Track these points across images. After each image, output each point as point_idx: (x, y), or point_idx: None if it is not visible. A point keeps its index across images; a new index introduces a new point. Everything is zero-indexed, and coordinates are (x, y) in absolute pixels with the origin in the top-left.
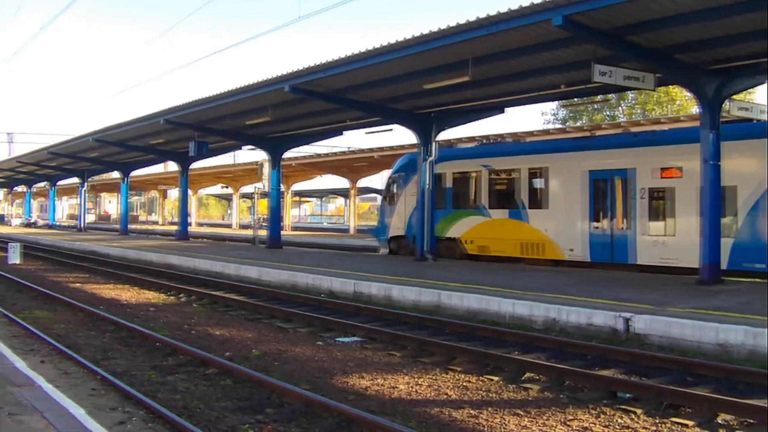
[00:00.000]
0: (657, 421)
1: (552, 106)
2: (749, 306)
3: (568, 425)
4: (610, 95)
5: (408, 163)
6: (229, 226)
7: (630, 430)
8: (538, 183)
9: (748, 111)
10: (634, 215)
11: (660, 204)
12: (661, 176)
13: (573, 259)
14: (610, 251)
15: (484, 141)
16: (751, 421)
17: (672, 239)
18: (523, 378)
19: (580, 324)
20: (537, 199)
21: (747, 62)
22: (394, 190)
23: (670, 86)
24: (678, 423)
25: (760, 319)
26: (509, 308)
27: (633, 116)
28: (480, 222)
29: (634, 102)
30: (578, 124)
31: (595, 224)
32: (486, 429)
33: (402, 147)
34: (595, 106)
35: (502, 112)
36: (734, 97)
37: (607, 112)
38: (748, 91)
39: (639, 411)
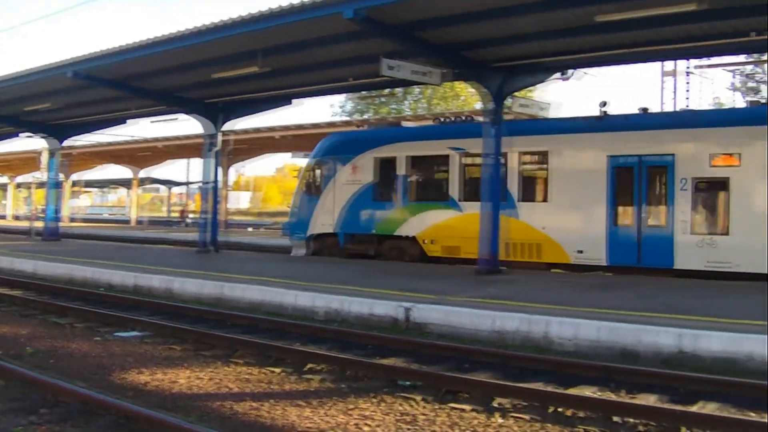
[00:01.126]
0: (436, 407)
1: (341, 98)
2: (522, 294)
3: (350, 414)
4: (396, 89)
5: (338, 146)
6: (3, 217)
7: (409, 416)
8: (535, 170)
9: (528, 107)
10: (672, 210)
11: (709, 197)
12: (711, 165)
13: (583, 263)
14: (637, 253)
15: (453, 119)
16: (525, 403)
17: (725, 239)
18: (304, 369)
19: (362, 314)
20: (533, 190)
21: (528, 61)
22: (317, 179)
23: (455, 82)
24: (456, 408)
25: (531, 306)
26: (291, 300)
27: (418, 110)
28: (447, 217)
29: (420, 96)
30: (365, 116)
31: (617, 221)
32: (267, 420)
33: (188, 137)
34: (382, 99)
35: (290, 103)
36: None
37: (394, 106)
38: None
39: (418, 398)
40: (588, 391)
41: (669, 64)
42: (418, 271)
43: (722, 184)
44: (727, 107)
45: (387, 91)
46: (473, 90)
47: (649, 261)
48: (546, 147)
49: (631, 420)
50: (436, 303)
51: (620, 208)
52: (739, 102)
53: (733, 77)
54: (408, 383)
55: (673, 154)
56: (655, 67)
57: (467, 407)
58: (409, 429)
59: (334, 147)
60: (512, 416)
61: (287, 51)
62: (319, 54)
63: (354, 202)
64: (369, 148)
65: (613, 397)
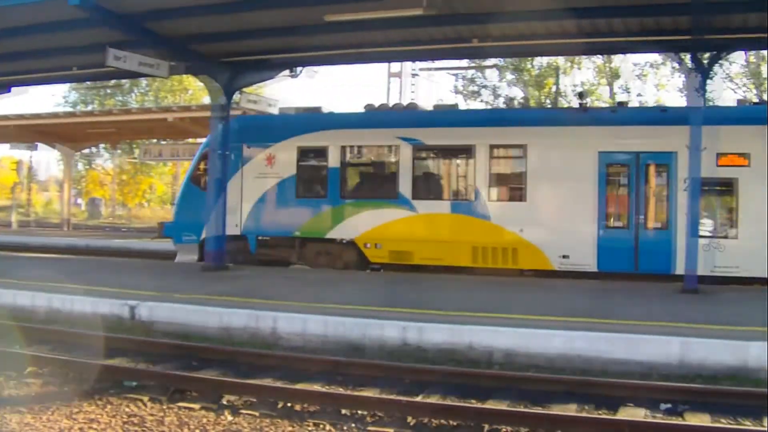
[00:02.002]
0: (164, 407)
1: (65, 88)
2: (251, 290)
3: (74, 419)
4: (123, 80)
5: (246, 131)
6: None
7: (137, 417)
8: (510, 166)
9: (256, 104)
10: (674, 212)
11: (715, 198)
12: (718, 164)
13: (569, 269)
14: (634, 258)
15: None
16: (254, 399)
17: (733, 243)
18: (26, 372)
19: (86, 313)
20: (507, 189)
21: (258, 57)
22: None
23: (184, 75)
24: (185, 407)
25: (260, 302)
26: (10, 299)
27: (145, 103)
28: (396, 218)
29: (147, 89)
30: (89, 108)
31: (609, 223)
32: None
33: None
34: (108, 91)
35: (8, 91)
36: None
37: (119, 98)
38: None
39: (146, 398)
40: (317, 386)
41: (396, 65)
42: (144, 267)
43: (729, 184)
44: (736, 105)
45: (113, 82)
46: (202, 84)
47: (646, 266)
48: (526, 140)
49: (360, 412)
50: (162, 300)
51: (613, 209)
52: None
53: (456, 80)
54: (135, 384)
55: (674, 152)
56: (383, 67)
57: (196, 406)
58: (137, 431)
59: (240, 133)
60: (242, 413)
61: (5, 36)
62: (41, 40)
63: (269, 198)
64: (290, 135)
65: (341, 390)
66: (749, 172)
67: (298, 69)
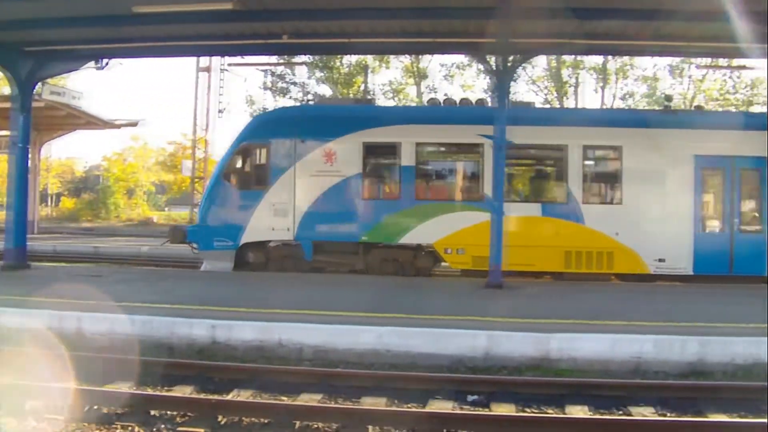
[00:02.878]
0: None
1: None
2: (51, 291)
3: None
4: None
5: (299, 124)
6: None
7: None
8: (603, 168)
9: (60, 95)
10: (766, 216)
11: None
12: None
13: (664, 273)
14: (729, 261)
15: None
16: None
17: None
18: None
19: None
20: (599, 191)
21: (62, 47)
22: (259, 167)
23: None
24: None
25: (63, 302)
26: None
27: None
28: (481, 221)
29: None
30: None
31: (706, 226)
32: None
33: None
34: None
35: None
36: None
37: None
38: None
39: None
40: (125, 387)
41: (205, 60)
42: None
43: None
44: None
45: None
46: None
47: (741, 269)
48: (621, 142)
49: (170, 412)
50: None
51: (709, 212)
52: (270, 102)
53: (266, 77)
54: None
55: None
56: (192, 61)
57: None
58: None
59: (290, 125)
60: (45, 418)
61: None
62: None
63: (328, 200)
64: (353, 130)
65: (149, 391)
66: None
67: (105, 60)
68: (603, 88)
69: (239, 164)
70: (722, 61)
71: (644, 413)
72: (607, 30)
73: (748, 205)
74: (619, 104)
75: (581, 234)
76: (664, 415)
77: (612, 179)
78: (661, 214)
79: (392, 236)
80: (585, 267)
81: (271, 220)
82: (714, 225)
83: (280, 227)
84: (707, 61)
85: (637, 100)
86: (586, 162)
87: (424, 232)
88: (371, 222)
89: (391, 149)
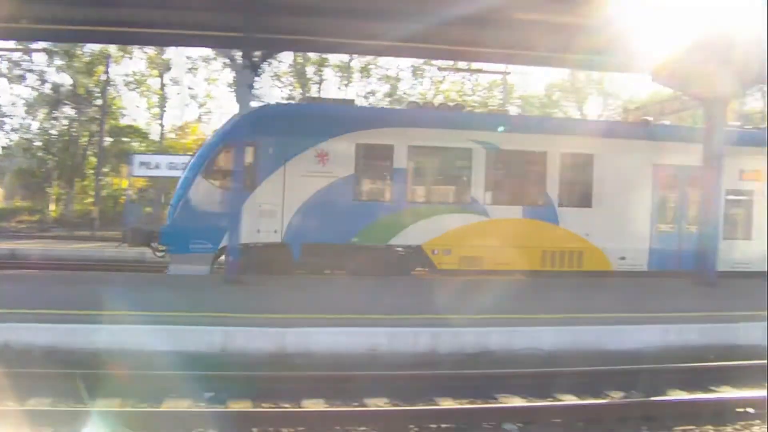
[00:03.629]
0: None
1: None
2: None
3: None
4: None
5: (290, 122)
6: None
7: None
8: (577, 174)
9: None
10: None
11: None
12: (741, 178)
13: (625, 269)
14: (678, 258)
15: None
16: None
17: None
18: None
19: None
20: (573, 195)
21: None
22: (246, 167)
23: None
24: None
25: None
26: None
27: None
28: (466, 223)
29: None
30: None
31: (661, 227)
32: None
33: None
34: None
35: None
36: None
37: None
38: None
39: None
40: None
41: None
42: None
43: (748, 196)
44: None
45: None
46: None
47: (688, 264)
48: (593, 151)
49: None
50: None
51: (664, 214)
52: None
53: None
54: None
55: None
56: None
57: None
58: None
59: (281, 124)
60: None
61: None
62: None
63: (320, 201)
64: (348, 131)
65: None
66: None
67: None
68: (347, 86)
69: (223, 163)
70: (462, 65)
71: (378, 403)
72: (353, 29)
73: (693, 209)
74: (362, 102)
75: (559, 235)
76: (397, 405)
77: (584, 184)
78: (623, 217)
79: (383, 238)
80: (558, 266)
81: (258, 222)
82: (666, 227)
83: (270, 229)
84: (449, 63)
85: (379, 98)
86: (563, 168)
87: (414, 234)
88: (363, 224)
89: (387, 151)
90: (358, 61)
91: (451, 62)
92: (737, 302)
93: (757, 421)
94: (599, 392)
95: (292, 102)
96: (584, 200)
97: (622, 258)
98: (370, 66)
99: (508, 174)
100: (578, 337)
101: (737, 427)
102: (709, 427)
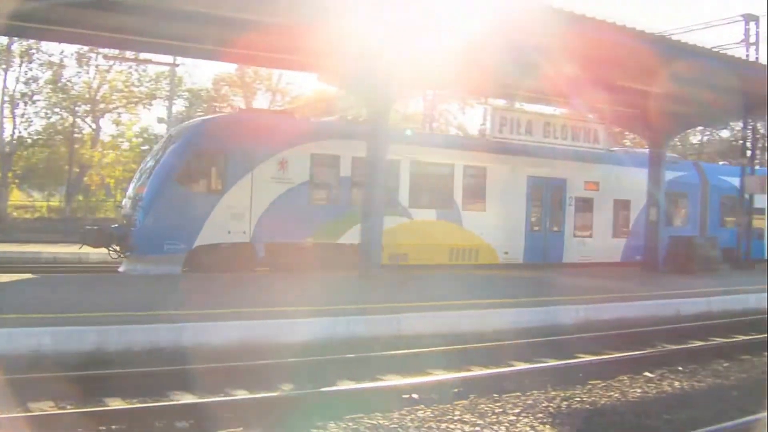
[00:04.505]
0: None
1: None
2: None
3: None
4: None
5: (255, 132)
6: None
7: None
8: (474, 183)
9: None
10: (565, 220)
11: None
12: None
13: (507, 262)
14: (542, 252)
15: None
16: None
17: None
18: None
19: None
20: (472, 200)
21: None
22: (215, 171)
23: None
24: None
25: None
26: None
27: None
28: (395, 224)
29: None
30: None
31: (533, 228)
32: None
33: None
34: None
35: None
36: None
37: None
38: None
39: None
40: None
41: None
42: None
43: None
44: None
45: None
46: None
47: (550, 258)
48: (486, 164)
49: None
50: None
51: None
52: None
53: None
54: None
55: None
56: None
57: None
58: None
59: (248, 133)
60: None
61: None
62: None
63: (281, 205)
64: (304, 142)
65: None
66: (599, 193)
67: None
68: (6, 70)
69: (194, 168)
70: (129, 54)
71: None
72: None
73: (557, 213)
74: (22, 88)
75: (461, 234)
76: (64, 408)
77: (480, 191)
78: (507, 219)
79: (333, 237)
80: (460, 260)
81: (227, 223)
82: (536, 228)
83: (238, 230)
84: (115, 52)
85: (41, 85)
86: (465, 178)
87: (356, 234)
88: (317, 225)
89: (334, 161)
90: (18, 45)
91: (117, 51)
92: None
93: (421, 406)
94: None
95: (258, 110)
96: (480, 205)
97: (506, 252)
98: (32, 50)
99: (426, 182)
100: (250, 331)
101: (403, 412)
102: (377, 413)
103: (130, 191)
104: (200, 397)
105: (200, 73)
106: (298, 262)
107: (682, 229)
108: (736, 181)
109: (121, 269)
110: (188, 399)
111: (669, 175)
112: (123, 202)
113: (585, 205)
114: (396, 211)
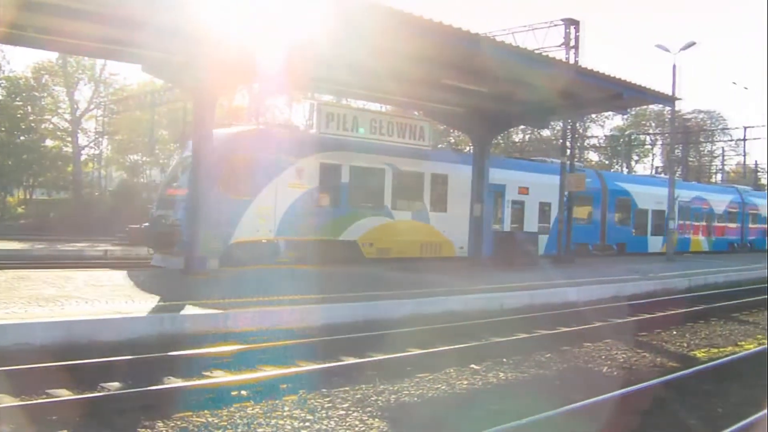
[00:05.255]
0: None
1: None
2: None
3: None
4: None
5: (276, 144)
6: None
7: None
8: (440, 188)
9: None
10: (506, 219)
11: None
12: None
13: (462, 255)
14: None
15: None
16: None
17: None
18: None
19: None
20: (438, 203)
21: None
22: (245, 177)
23: None
24: None
25: None
26: None
27: None
28: (383, 223)
29: None
30: None
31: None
32: None
33: None
34: None
35: None
36: None
37: None
38: None
39: None
40: None
41: None
42: None
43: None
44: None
45: None
46: None
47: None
48: (447, 172)
49: None
50: None
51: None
52: None
53: None
54: None
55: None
56: None
57: None
58: None
59: (273, 145)
60: None
61: None
62: None
63: (298, 207)
64: (314, 152)
65: None
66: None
67: None
68: None
69: (231, 174)
70: None
71: None
72: None
73: (510, 214)
74: None
75: (430, 232)
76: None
77: (443, 195)
78: (463, 219)
79: (335, 235)
80: (428, 254)
81: (257, 223)
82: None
83: (266, 229)
84: None
85: None
86: (432, 184)
87: (352, 233)
88: (321, 224)
89: (337, 169)
90: None
91: None
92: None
93: (250, 403)
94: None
95: (280, 126)
96: (443, 207)
97: (461, 247)
98: None
99: (403, 188)
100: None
101: (232, 409)
102: (206, 411)
103: (163, 192)
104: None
105: (18, 60)
106: (310, 256)
107: (586, 227)
108: (627, 186)
109: (154, 263)
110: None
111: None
112: (155, 203)
113: (519, 207)
114: (380, 213)
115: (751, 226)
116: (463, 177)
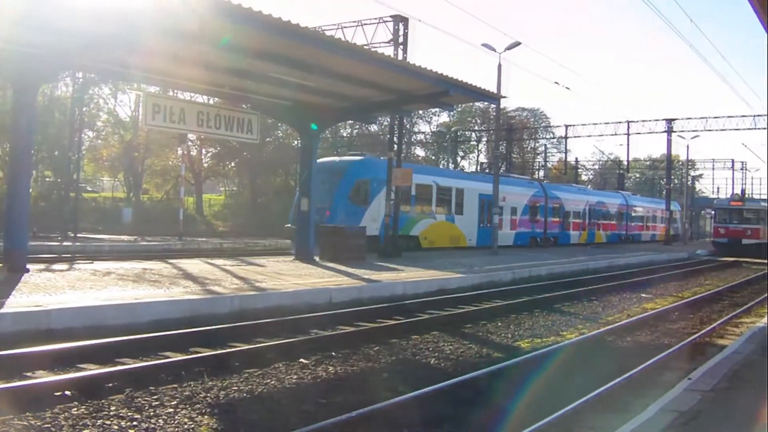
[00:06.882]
0: None
1: None
2: None
3: None
4: None
5: (381, 170)
6: None
7: None
8: (459, 199)
9: None
10: (494, 219)
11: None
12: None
13: (471, 246)
14: (489, 239)
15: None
16: None
17: None
18: None
19: None
20: (459, 209)
21: None
22: (365, 192)
23: None
24: None
25: None
26: None
27: None
28: (433, 223)
29: None
30: None
31: (481, 225)
32: None
33: None
34: None
35: None
36: None
37: None
38: None
39: None
40: None
41: None
42: None
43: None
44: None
45: None
46: None
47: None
48: (462, 186)
49: None
50: None
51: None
52: None
53: None
54: None
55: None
56: None
57: None
58: None
59: (379, 170)
60: None
61: None
62: None
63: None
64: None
65: None
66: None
67: None
68: None
69: (355, 190)
70: None
71: None
72: None
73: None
74: None
75: (455, 229)
76: None
77: (460, 203)
78: (470, 219)
79: (407, 231)
80: (455, 244)
81: (371, 223)
82: (484, 224)
83: (374, 227)
84: None
85: None
86: (456, 195)
87: (415, 229)
88: (402, 224)
89: (427, 187)
90: None
91: None
92: None
93: (75, 403)
94: None
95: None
96: (461, 211)
97: (470, 240)
98: None
99: (441, 198)
100: None
101: (56, 410)
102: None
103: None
104: None
105: None
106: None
107: (535, 225)
108: (559, 193)
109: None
110: None
111: (529, 191)
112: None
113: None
114: (431, 216)
115: (553, 220)
116: (473, 189)
